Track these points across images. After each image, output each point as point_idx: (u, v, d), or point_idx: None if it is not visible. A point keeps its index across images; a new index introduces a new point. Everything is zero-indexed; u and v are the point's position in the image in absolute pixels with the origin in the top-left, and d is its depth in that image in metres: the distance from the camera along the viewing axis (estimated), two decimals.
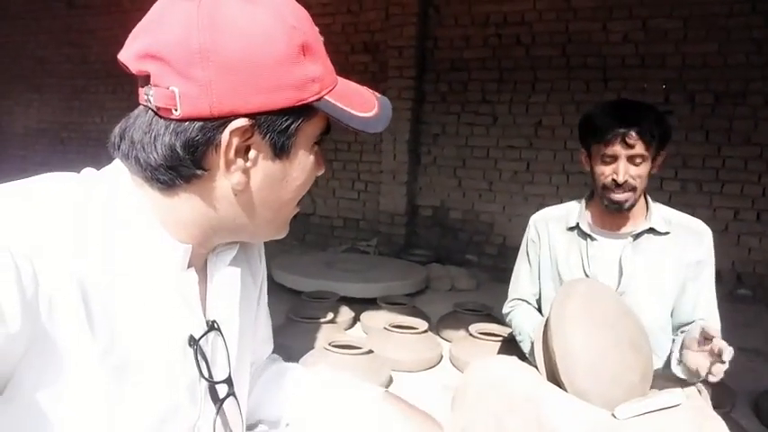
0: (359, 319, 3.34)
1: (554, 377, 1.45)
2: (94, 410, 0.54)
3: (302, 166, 0.64)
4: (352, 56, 5.42)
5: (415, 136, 5.20)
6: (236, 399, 0.70)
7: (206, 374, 0.65)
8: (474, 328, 2.83)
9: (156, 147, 0.57)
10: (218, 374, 0.67)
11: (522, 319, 1.82)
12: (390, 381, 2.56)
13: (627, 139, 1.53)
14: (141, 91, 0.58)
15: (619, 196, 1.59)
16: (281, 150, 0.61)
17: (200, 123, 0.56)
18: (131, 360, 0.57)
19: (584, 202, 1.78)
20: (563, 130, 4.63)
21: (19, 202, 0.52)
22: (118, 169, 0.61)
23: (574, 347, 1.39)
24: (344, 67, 5.42)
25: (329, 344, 2.50)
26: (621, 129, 1.53)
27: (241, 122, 0.56)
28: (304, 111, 0.60)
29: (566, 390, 1.39)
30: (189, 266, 0.64)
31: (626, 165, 1.56)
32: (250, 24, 0.55)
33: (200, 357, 0.64)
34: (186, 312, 0.63)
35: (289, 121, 0.59)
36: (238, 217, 0.63)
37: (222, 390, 0.68)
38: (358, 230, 5.58)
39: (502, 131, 4.90)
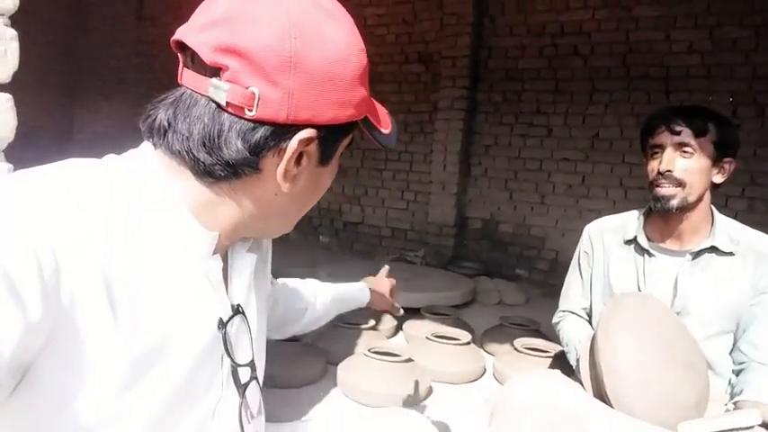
0: (401, 328, 3.29)
1: (600, 394, 1.36)
2: (116, 398, 0.53)
3: (332, 173, 0.69)
4: (405, 66, 5.43)
5: (466, 147, 5.14)
6: (257, 382, 0.71)
7: (232, 357, 0.65)
8: (519, 342, 2.73)
9: (218, 143, 0.56)
10: (241, 358, 0.68)
11: (570, 330, 1.73)
12: (430, 391, 2.50)
13: (673, 126, 1.45)
14: (202, 79, 0.56)
15: (663, 190, 1.49)
16: (325, 159, 0.64)
17: (273, 128, 0.57)
18: (158, 347, 0.56)
19: (643, 214, 1.68)
20: (621, 143, 4.46)
21: (42, 191, 0.51)
22: (145, 154, 0.61)
23: (622, 361, 1.30)
24: (397, 77, 5.46)
25: (369, 350, 2.47)
26: (669, 117, 1.48)
27: (309, 132, 0.58)
28: (351, 126, 0.64)
29: (612, 407, 1.30)
30: (214, 253, 0.64)
31: (672, 154, 1.48)
32: (334, 40, 0.58)
33: (227, 340, 0.65)
34: (213, 297, 0.64)
35: (341, 135, 0.64)
36: (270, 217, 0.65)
37: (245, 373, 0.68)
38: (406, 241, 5.54)
39: (557, 143, 4.77)
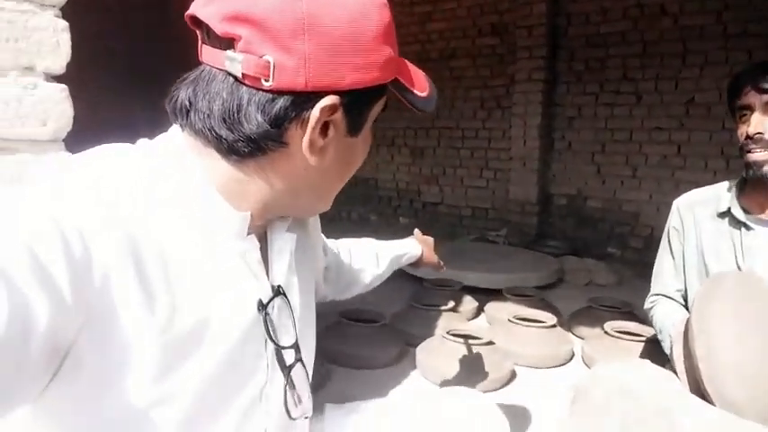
0: (483, 310, 3.22)
1: (698, 387, 1.24)
2: (157, 382, 0.53)
3: (365, 143, 0.64)
4: (479, 39, 5.26)
5: (547, 120, 4.91)
6: (303, 365, 0.68)
7: (275, 340, 0.63)
8: (610, 325, 2.59)
9: (238, 118, 0.54)
10: (285, 340, 0.66)
11: (664, 316, 1.60)
12: (513, 375, 2.42)
13: (760, 84, 1.30)
14: (217, 53, 0.54)
15: (754, 155, 1.36)
16: (354, 128, 0.60)
17: (292, 97, 0.54)
18: (196, 329, 0.55)
19: (736, 184, 1.51)
20: (720, 108, 4.07)
21: (74, 174, 0.52)
22: (173, 137, 0.60)
23: (720, 348, 1.18)
24: (471, 51, 5.30)
25: (447, 332, 2.43)
26: (755, 74, 1.34)
27: (332, 99, 0.54)
28: (381, 90, 0.59)
29: (712, 402, 1.18)
30: (248, 234, 0.62)
31: (761, 116, 1.33)
32: None
33: (268, 323, 0.63)
34: (251, 278, 0.62)
35: (369, 101, 0.59)
36: (302, 192, 0.62)
37: (289, 355, 0.66)
38: (487, 220, 5.41)
39: (647, 112, 4.45)
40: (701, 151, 4.23)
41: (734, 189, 1.51)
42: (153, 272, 0.52)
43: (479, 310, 3.25)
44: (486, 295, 3.36)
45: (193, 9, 0.55)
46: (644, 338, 2.43)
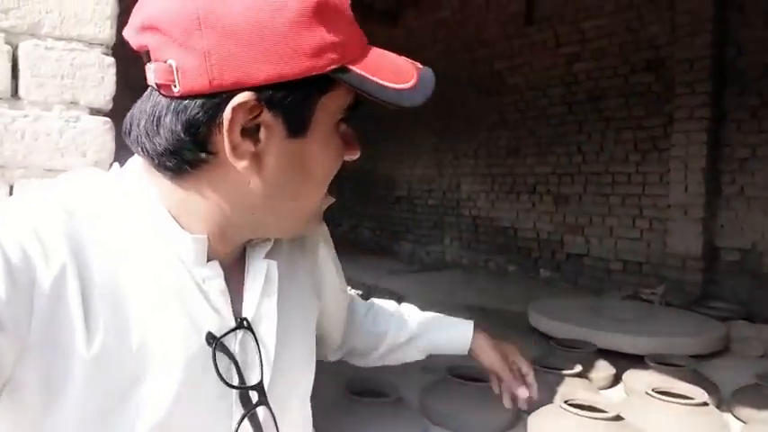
0: (621, 379, 2.80)
1: None
2: (99, 419, 0.50)
3: (325, 146, 0.57)
4: (631, 76, 4.84)
5: (713, 162, 4.31)
6: (269, 409, 0.60)
7: (227, 378, 0.56)
8: None
9: (158, 130, 0.52)
10: (252, 378, 0.60)
11: None
12: None
13: None
14: (146, 69, 0.54)
15: None
16: (297, 129, 0.54)
17: (202, 100, 0.50)
18: (140, 363, 0.51)
19: None
20: None
21: (29, 198, 0.52)
22: (134, 159, 0.59)
23: None
24: (623, 91, 4.89)
25: (566, 401, 2.12)
26: None
27: (245, 97, 0.50)
28: (322, 82, 0.53)
29: None
30: (210, 260, 0.57)
31: None
32: None
33: (228, 359, 0.57)
34: (207, 309, 0.56)
35: (303, 95, 0.52)
36: (256, 208, 0.56)
37: (254, 397, 0.59)
38: (641, 275, 4.83)
39: None
40: None
41: None
42: (98, 302, 0.50)
43: (617, 379, 2.83)
44: (628, 362, 2.93)
45: (123, 33, 0.56)
46: None
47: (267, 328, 0.61)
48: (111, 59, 1.05)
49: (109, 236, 0.52)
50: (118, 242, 0.52)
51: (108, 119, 1.05)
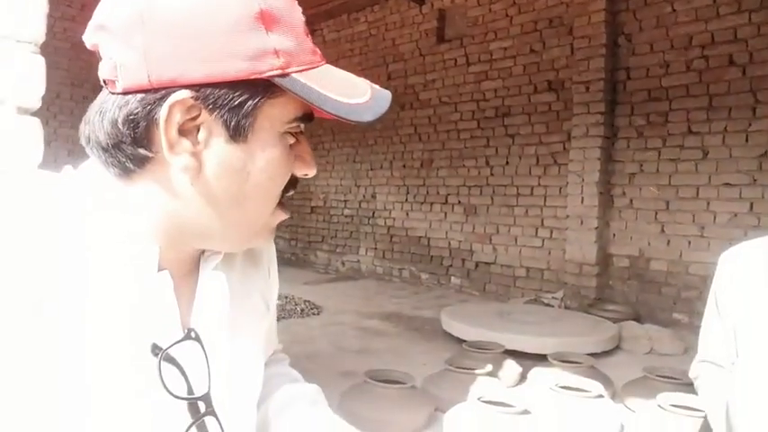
0: (526, 377, 2.98)
1: None
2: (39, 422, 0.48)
3: (268, 155, 0.55)
4: (534, 96, 5.19)
5: (606, 177, 4.69)
6: (216, 419, 0.59)
7: (172, 389, 0.55)
8: (664, 398, 2.30)
9: (103, 124, 0.52)
10: (199, 390, 0.58)
11: (708, 389, 1.38)
12: None
13: None
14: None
15: None
16: (236, 132, 0.52)
17: (141, 95, 0.50)
18: (85, 373, 0.50)
19: None
20: None
21: None
22: (87, 163, 0.57)
23: None
24: (527, 109, 5.22)
25: (479, 398, 2.23)
26: None
27: (182, 95, 0.49)
28: (263, 87, 0.52)
29: None
30: (162, 269, 0.56)
31: None
32: None
33: (176, 370, 0.56)
34: (155, 319, 0.55)
35: (243, 98, 0.51)
36: (202, 213, 0.55)
37: (202, 407, 0.58)
38: (542, 281, 5.14)
39: (715, 167, 4.16)
40: None
41: None
42: (45, 316, 0.48)
43: (522, 377, 3.01)
44: (533, 361, 3.12)
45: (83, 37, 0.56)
46: (704, 415, 2.13)
47: (215, 339, 0.61)
48: (41, 58, 1.01)
49: (58, 246, 0.50)
50: (67, 254, 0.51)
51: (36, 118, 1.01)
